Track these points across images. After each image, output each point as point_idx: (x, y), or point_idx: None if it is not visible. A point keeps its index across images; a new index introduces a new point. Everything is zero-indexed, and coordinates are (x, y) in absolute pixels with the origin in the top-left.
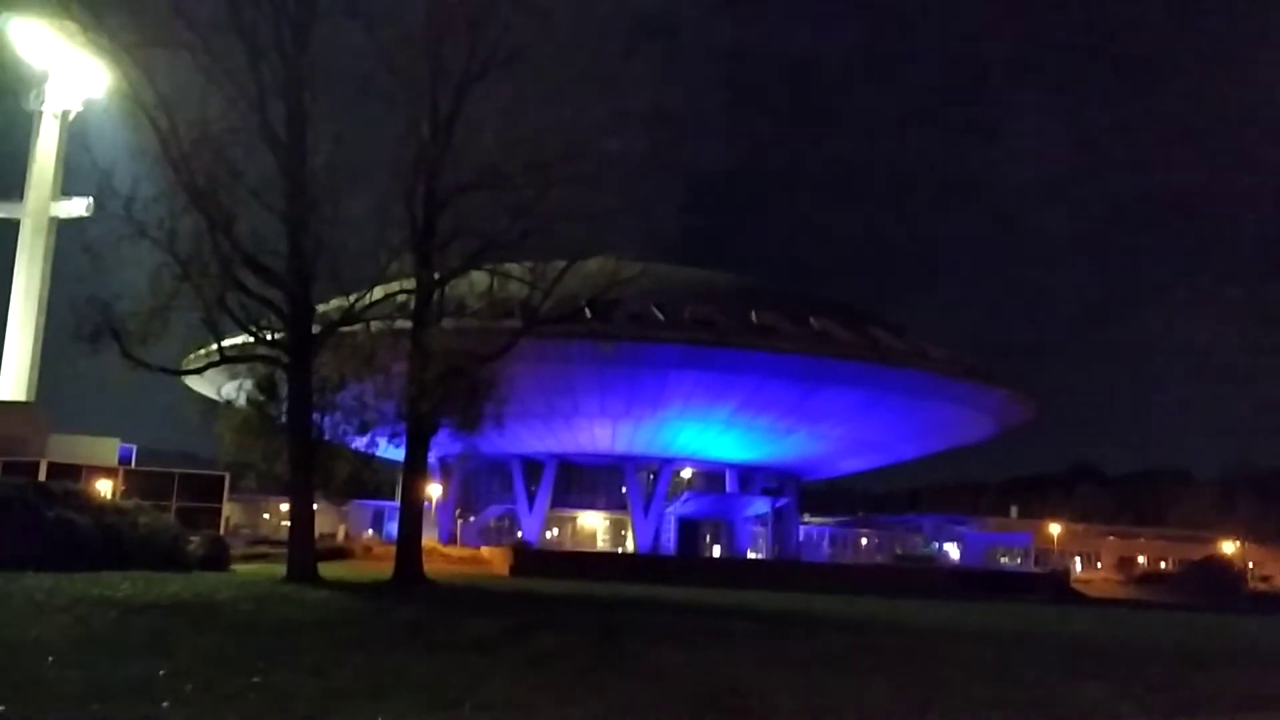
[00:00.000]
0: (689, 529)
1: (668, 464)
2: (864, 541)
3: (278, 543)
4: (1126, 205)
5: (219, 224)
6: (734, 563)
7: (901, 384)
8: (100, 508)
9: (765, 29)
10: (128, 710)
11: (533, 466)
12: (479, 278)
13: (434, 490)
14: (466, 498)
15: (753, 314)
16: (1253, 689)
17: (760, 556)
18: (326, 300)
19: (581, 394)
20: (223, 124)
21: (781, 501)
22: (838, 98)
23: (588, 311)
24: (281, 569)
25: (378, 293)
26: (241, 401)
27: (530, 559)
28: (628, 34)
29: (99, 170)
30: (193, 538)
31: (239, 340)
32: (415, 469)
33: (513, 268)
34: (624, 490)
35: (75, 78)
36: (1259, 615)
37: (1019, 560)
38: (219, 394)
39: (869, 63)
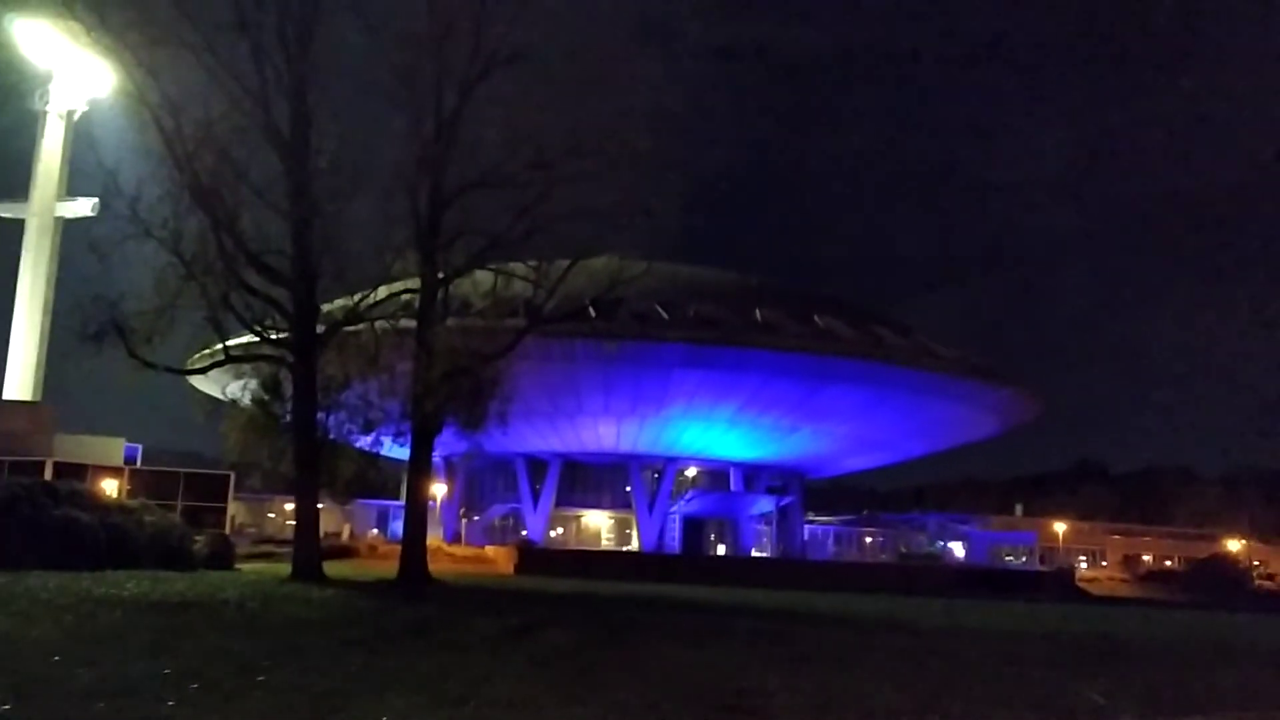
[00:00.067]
0: (694, 528)
1: (672, 463)
2: (868, 540)
3: (283, 542)
4: (1127, 205)
5: (224, 223)
6: (739, 561)
7: (906, 382)
8: (106, 507)
9: (766, 29)
10: (132, 709)
11: (537, 465)
12: (483, 277)
13: (439, 489)
14: (471, 497)
15: (757, 312)
16: (1258, 688)
17: (765, 555)
18: (331, 299)
19: (586, 393)
20: (227, 124)
21: (786, 500)
22: (838, 98)
23: (592, 310)
24: (286, 568)
25: (382, 292)
26: (246, 401)
27: (535, 558)
28: (629, 34)
29: (104, 170)
30: (198, 537)
31: (244, 340)
32: (420, 468)
33: (517, 267)
34: (628, 489)
35: (80, 78)
36: (1264, 614)
37: (1024, 559)
38: (224, 393)
39: (869, 63)
